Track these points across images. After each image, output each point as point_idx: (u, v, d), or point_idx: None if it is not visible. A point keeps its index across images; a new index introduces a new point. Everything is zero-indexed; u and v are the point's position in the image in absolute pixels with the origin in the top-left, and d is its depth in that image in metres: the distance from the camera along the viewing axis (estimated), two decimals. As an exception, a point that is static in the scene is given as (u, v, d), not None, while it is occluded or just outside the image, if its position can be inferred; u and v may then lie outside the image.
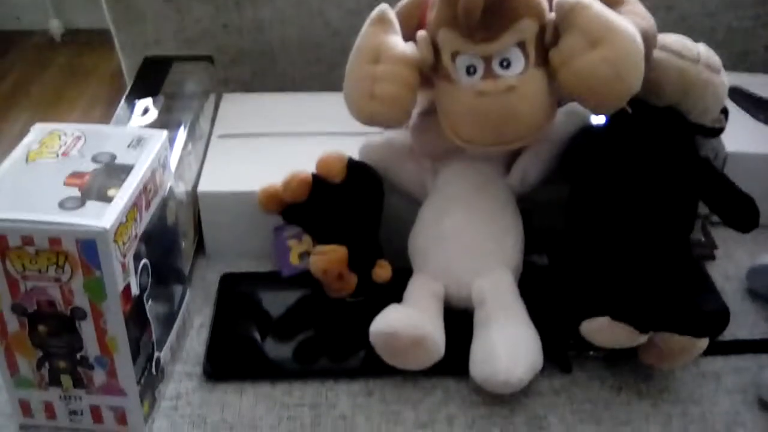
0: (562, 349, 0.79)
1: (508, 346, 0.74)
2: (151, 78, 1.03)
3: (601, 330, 0.73)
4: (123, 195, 0.65)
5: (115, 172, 0.68)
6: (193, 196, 0.89)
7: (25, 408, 0.72)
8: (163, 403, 0.76)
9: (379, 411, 0.75)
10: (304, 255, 0.85)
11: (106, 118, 1.00)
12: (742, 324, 0.83)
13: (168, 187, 0.75)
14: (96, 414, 0.71)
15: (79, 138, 0.72)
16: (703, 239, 0.92)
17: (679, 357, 0.75)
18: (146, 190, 0.69)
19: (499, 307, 0.77)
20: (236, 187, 0.89)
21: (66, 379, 0.70)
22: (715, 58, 0.79)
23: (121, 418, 0.71)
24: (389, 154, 0.88)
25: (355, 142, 0.88)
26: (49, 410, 0.72)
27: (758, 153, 0.93)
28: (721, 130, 0.83)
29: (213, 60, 1.09)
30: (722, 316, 0.74)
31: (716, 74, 0.79)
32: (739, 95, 1.01)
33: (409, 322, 0.75)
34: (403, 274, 0.82)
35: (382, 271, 0.83)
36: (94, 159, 0.69)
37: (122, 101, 0.98)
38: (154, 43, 1.16)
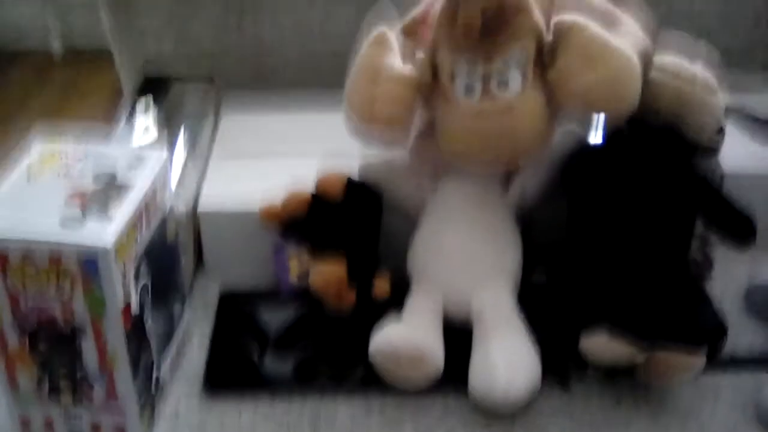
0: (561, 363, 0.79)
1: (507, 361, 0.74)
2: (152, 96, 1.04)
3: (600, 346, 0.74)
4: (124, 213, 0.66)
5: (115, 190, 0.68)
6: (193, 214, 0.89)
7: (25, 424, 0.72)
8: (162, 419, 0.76)
9: (379, 426, 0.75)
10: (304, 272, 0.85)
11: (106, 136, 1.00)
12: (740, 341, 0.83)
13: (168, 206, 0.75)
14: (95, 428, 0.71)
15: (80, 157, 0.72)
16: (701, 254, 0.92)
17: (677, 375, 0.76)
18: (147, 209, 0.69)
19: (497, 321, 0.77)
20: (236, 206, 0.89)
21: (66, 395, 0.70)
22: (712, 79, 0.80)
23: (121, 433, 0.72)
24: (388, 173, 0.88)
25: (355, 160, 0.88)
26: (49, 426, 0.72)
27: (756, 173, 0.93)
28: (717, 149, 0.83)
29: (213, 79, 1.10)
30: (720, 327, 0.75)
31: (713, 95, 0.80)
32: (736, 115, 1.02)
33: (408, 337, 0.75)
34: (402, 288, 0.83)
35: (382, 286, 0.83)
36: (95, 178, 0.70)
37: (122, 120, 0.99)
38: (154, 61, 1.16)
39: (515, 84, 0.75)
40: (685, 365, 0.74)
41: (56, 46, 2.91)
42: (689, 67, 0.80)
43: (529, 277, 0.83)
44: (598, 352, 0.74)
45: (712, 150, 0.84)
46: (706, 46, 0.80)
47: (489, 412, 0.75)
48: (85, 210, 0.65)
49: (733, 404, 0.77)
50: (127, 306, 0.67)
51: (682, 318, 0.74)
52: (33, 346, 0.67)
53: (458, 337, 0.78)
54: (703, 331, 0.74)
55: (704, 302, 0.78)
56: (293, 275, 0.86)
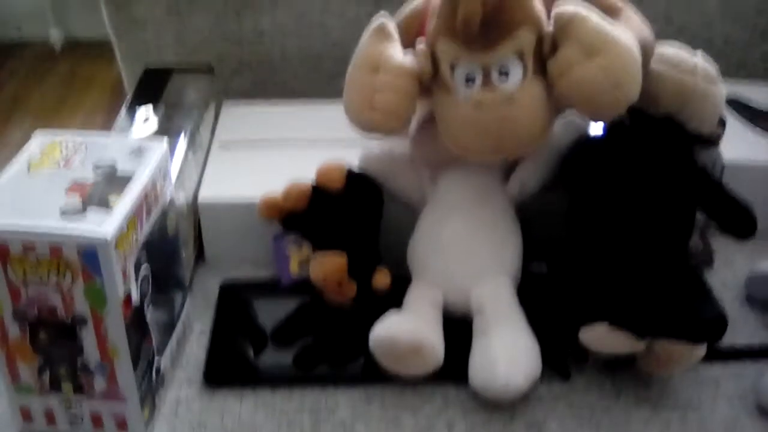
0: (561, 356, 0.79)
1: (507, 354, 0.74)
2: (152, 87, 1.04)
3: (600, 338, 0.74)
4: (124, 204, 0.66)
5: (116, 181, 0.68)
6: (194, 204, 0.89)
7: (26, 414, 0.72)
8: (163, 409, 0.76)
9: (379, 417, 0.75)
10: (304, 263, 0.85)
11: (106, 127, 1.01)
12: (741, 331, 0.84)
13: (168, 196, 0.75)
14: (96, 420, 0.72)
15: (80, 147, 0.72)
16: (701, 247, 0.93)
17: (678, 364, 0.76)
18: (147, 199, 0.69)
19: (497, 314, 0.77)
20: (236, 197, 0.89)
21: (66, 386, 0.70)
22: (712, 69, 0.80)
23: (122, 424, 0.72)
24: (388, 163, 0.88)
25: (355, 151, 0.88)
26: (50, 416, 0.72)
27: (756, 164, 0.93)
28: (718, 141, 0.83)
29: (213, 69, 1.10)
30: (720, 321, 0.75)
31: (713, 85, 0.79)
32: (737, 106, 1.02)
33: (408, 329, 0.75)
34: (402, 281, 0.83)
35: (382, 278, 0.83)
36: (96, 168, 0.70)
37: (123, 110, 0.99)
38: (155, 52, 1.16)
39: (516, 76, 0.75)
40: (686, 356, 0.74)
41: (56, 38, 2.92)
42: (690, 58, 0.79)
43: (529, 270, 0.83)
44: (598, 343, 0.75)
45: (713, 141, 0.84)
46: (702, 57, 0.80)
47: (489, 404, 0.75)
48: (85, 202, 0.65)
49: (733, 395, 0.77)
50: (128, 297, 0.67)
51: (682, 311, 0.74)
52: (33, 337, 0.67)
53: (458, 329, 0.78)
54: (703, 324, 0.74)
55: (704, 295, 0.78)
56: (293, 267, 0.86)
